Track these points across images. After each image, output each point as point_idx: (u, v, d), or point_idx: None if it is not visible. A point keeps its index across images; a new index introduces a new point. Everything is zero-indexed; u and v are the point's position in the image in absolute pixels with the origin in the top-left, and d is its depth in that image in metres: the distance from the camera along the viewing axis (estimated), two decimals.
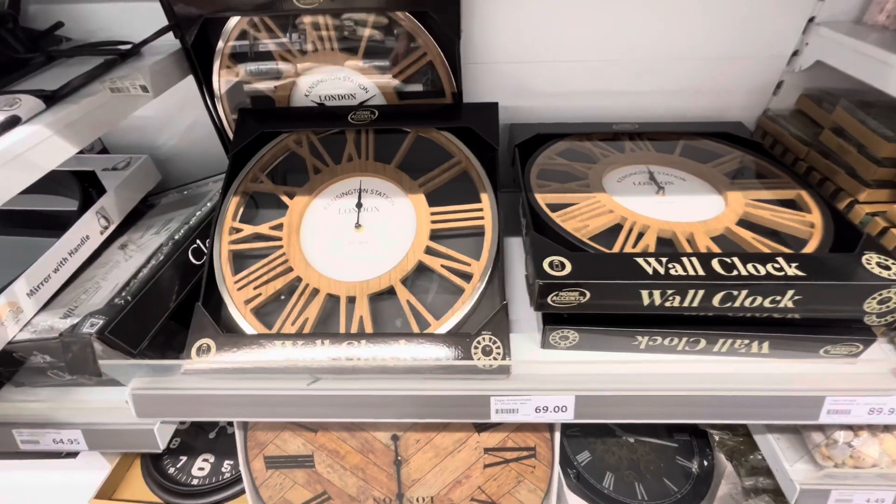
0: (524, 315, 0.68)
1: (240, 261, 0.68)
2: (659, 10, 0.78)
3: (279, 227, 0.68)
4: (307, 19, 0.72)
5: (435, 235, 0.67)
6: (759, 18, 0.79)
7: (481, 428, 0.75)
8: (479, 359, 0.58)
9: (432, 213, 0.68)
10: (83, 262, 0.71)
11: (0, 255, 0.77)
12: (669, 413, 0.63)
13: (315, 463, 0.81)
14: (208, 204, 0.75)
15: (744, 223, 0.63)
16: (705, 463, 1.00)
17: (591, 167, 0.75)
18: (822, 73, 0.81)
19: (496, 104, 0.75)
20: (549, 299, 0.55)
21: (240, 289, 0.64)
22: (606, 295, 0.54)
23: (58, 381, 0.70)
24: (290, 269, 0.65)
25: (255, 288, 0.64)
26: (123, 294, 0.60)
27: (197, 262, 0.68)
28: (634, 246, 0.59)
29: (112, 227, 0.79)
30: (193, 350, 0.59)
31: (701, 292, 0.53)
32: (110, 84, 0.63)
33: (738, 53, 0.83)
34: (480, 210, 0.68)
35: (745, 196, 0.68)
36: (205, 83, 0.79)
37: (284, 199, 0.71)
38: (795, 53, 0.82)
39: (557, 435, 0.80)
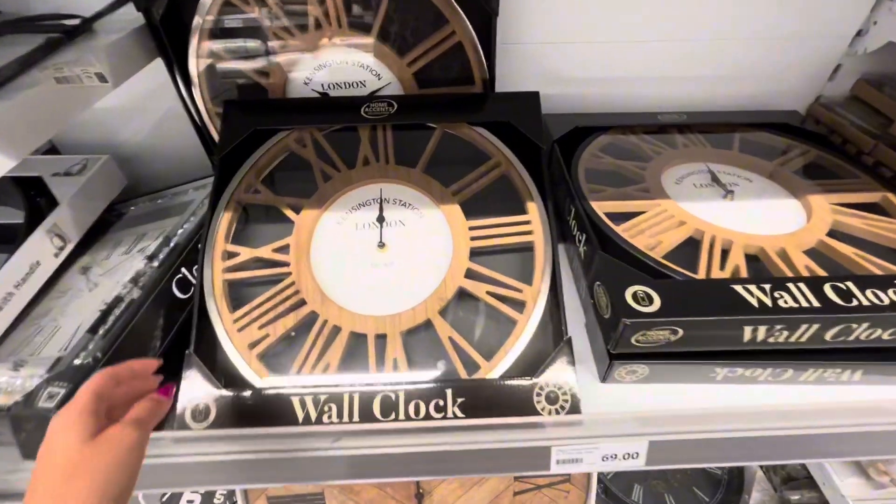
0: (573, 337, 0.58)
1: (238, 292, 0.56)
2: None
3: (285, 248, 0.56)
4: None
5: (475, 254, 0.56)
6: None
7: None
8: (543, 408, 0.49)
9: (471, 228, 0.57)
10: (36, 292, 0.57)
11: None
12: (753, 455, 0.55)
13: (326, 500, 0.71)
14: (192, 219, 0.61)
15: (837, 234, 0.54)
16: (735, 470, 0.95)
17: (644, 166, 0.65)
18: (885, 57, 0.72)
19: (537, 94, 0.64)
20: (632, 339, 0.45)
21: (241, 329, 0.52)
22: (702, 332, 0.45)
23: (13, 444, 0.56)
24: (303, 303, 0.53)
25: (260, 327, 0.52)
26: (91, 347, 0.47)
27: (183, 297, 0.55)
28: (722, 268, 0.50)
29: (69, 248, 0.65)
30: (187, 414, 0.47)
31: (815, 327, 0.44)
32: (55, 72, 0.49)
33: (795, 33, 0.74)
34: (528, 223, 0.57)
35: (826, 200, 0.59)
36: (178, 68, 0.64)
37: (289, 213, 0.59)
38: (859, 34, 0.73)
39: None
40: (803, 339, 0.46)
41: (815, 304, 0.44)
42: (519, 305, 0.54)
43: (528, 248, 0.57)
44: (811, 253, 0.53)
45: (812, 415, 0.53)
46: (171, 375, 0.50)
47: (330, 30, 0.61)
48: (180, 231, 0.61)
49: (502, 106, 0.64)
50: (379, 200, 0.60)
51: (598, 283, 0.50)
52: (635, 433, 0.53)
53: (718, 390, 0.55)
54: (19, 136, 0.45)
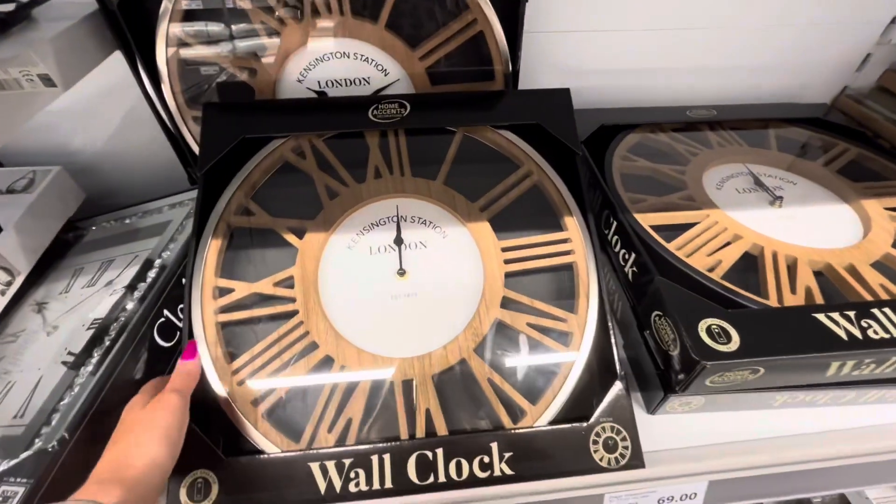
0: None
1: (234, 336, 0.47)
2: None
3: (288, 281, 0.48)
4: None
5: (510, 278, 0.49)
6: None
7: None
8: (601, 458, 0.43)
9: (504, 249, 0.50)
10: None
11: None
12: (815, 485, 0.51)
13: None
14: (171, 245, 0.52)
15: None
16: None
17: (682, 170, 0.59)
18: None
19: (567, 91, 0.56)
20: (707, 381, 0.40)
21: (242, 382, 0.44)
22: (785, 370, 0.40)
23: None
24: (315, 346, 0.45)
25: (268, 377, 0.45)
26: (54, 423, 0.38)
27: (167, 345, 0.46)
28: (793, 290, 0.45)
29: (18, 281, 0.54)
30: (182, 492, 0.39)
31: None
32: None
33: (826, 21, 0.70)
34: (567, 240, 0.51)
35: (878, 204, 0.55)
36: (142, 61, 0.53)
37: (290, 238, 0.50)
38: (894, 21, 0.68)
39: None
40: (889, 370, 0.41)
41: None
42: (564, 337, 0.48)
43: (567, 269, 0.51)
44: (880, 267, 0.48)
45: (878, 436, 0.49)
46: None
47: (330, 17, 0.51)
48: (159, 261, 0.51)
49: (530, 105, 0.56)
50: (396, 219, 0.52)
51: (657, 313, 0.44)
52: (693, 472, 0.48)
53: (774, 415, 0.51)
54: None
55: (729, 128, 0.69)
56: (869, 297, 0.45)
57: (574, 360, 0.46)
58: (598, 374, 0.47)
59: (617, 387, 0.44)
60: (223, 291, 0.47)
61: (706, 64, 0.73)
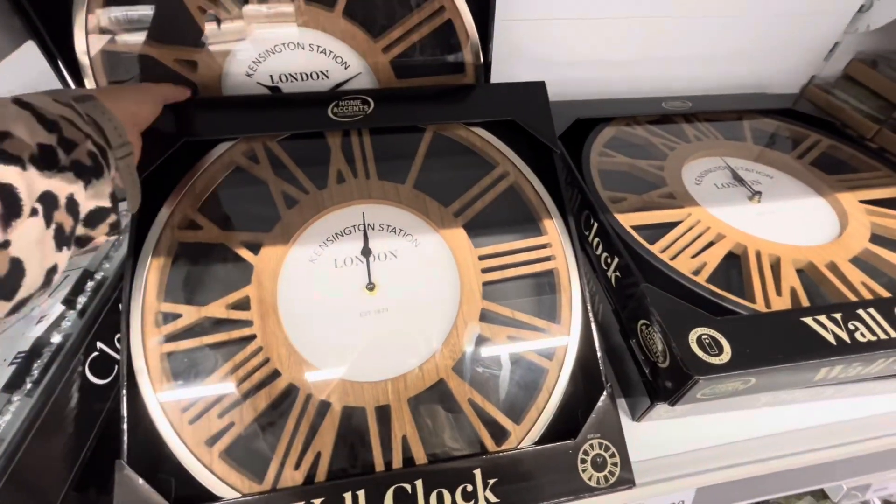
0: None
1: (183, 367, 0.42)
2: None
3: (243, 303, 0.43)
4: None
5: (489, 288, 0.46)
6: None
7: None
8: (589, 477, 0.40)
9: (481, 257, 0.47)
10: None
11: None
12: (801, 482, 0.51)
13: None
14: (106, 265, 0.46)
15: (879, 240, 0.50)
16: None
17: (661, 166, 0.58)
18: (887, 35, 0.69)
19: (543, 84, 0.53)
20: (698, 394, 0.38)
21: (194, 420, 0.40)
22: (776, 377, 0.39)
23: None
24: (277, 374, 0.41)
25: (220, 415, 0.40)
26: None
27: (102, 382, 0.40)
28: (779, 291, 0.44)
29: None
30: None
31: (891, 360, 0.39)
32: None
33: (795, 9, 0.68)
34: (547, 245, 0.49)
35: (853, 197, 0.55)
36: (59, 53, 0.47)
37: (244, 254, 0.45)
38: (861, 9, 0.69)
39: None
40: (875, 370, 0.41)
41: (893, 334, 0.39)
42: (547, 349, 0.45)
43: (548, 275, 0.48)
44: (858, 263, 0.48)
45: (863, 428, 0.49)
46: (100, 495, 0.37)
47: (282, 5, 0.46)
48: (90, 284, 0.45)
49: (503, 100, 0.53)
50: (363, 228, 0.47)
51: (644, 322, 0.42)
52: (680, 478, 0.47)
53: (757, 415, 0.51)
54: None
55: (704, 119, 0.68)
56: (852, 296, 0.45)
57: (558, 373, 0.44)
58: (584, 386, 0.45)
59: (604, 400, 0.42)
60: (168, 317, 0.42)
61: (678, 53, 0.72)
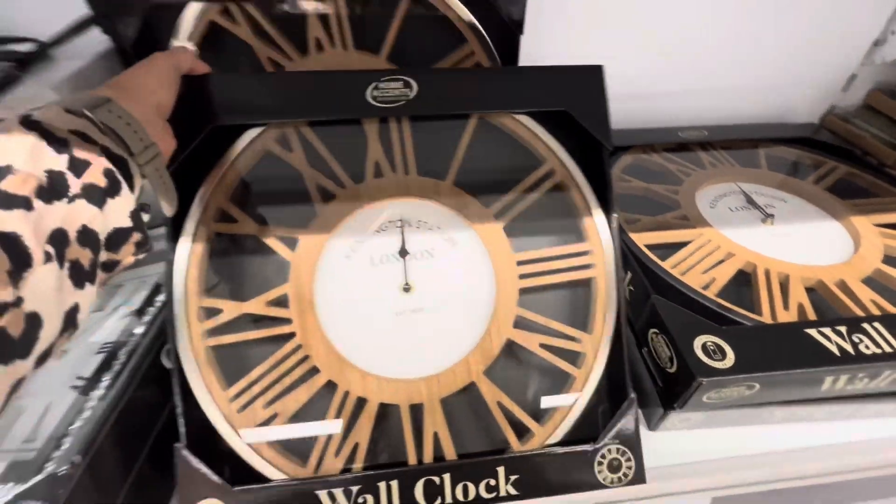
0: None
1: (230, 358, 0.45)
2: None
3: (282, 300, 0.45)
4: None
5: (525, 296, 0.47)
6: (836, 4, 0.67)
7: None
8: (604, 478, 0.43)
9: (519, 263, 0.47)
10: None
11: None
12: (818, 500, 0.51)
13: None
14: None
15: (892, 261, 0.51)
16: None
17: (676, 190, 0.62)
18: None
19: (600, 69, 0.48)
20: (704, 398, 0.41)
21: (242, 409, 0.44)
22: (780, 386, 0.41)
23: None
24: (316, 370, 0.45)
25: (265, 406, 0.44)
26: (67, 447, 0.39)
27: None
28: (786, 306, 0.46)
29: None
30: None
31: None
32: (4, 111, 0.40)
33: (811, 42, 0.74)
34: (587, 253, 0.48)
35: (868, 221, 0.57)
36: None
37: (281, 249, 0.46)
38: (876, 43, 0.72)
39: None
40: (883, 384, 0.43)
41: None
42: (576, 357, 0.47)
43: (585, 284, 0.48)
44: (870, 283, 0.50)
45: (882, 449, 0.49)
46: (165, 471, 0.43)
47: (333, 51, 0.53)
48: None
49: (555, 86, 0.47)
50: (400, 227, 0.47)
51: (654, 330, 0.45)
52: (695, 489, 0.49)
53: (775, 430, 0.52)
54: None
55: (720, 147, 0.71)
56: (861, 313, 0.46)
57: (585, 381, 0.46)
58: (609, 395, 0.47)
59: (625, 409, 0.45)
60: (210, 312, 0.45)
61: (695, 86, 0.76)
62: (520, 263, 0.47)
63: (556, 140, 0.49)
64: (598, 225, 0.48)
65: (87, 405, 0.44)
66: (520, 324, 0.46)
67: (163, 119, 0.38)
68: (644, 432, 0.52)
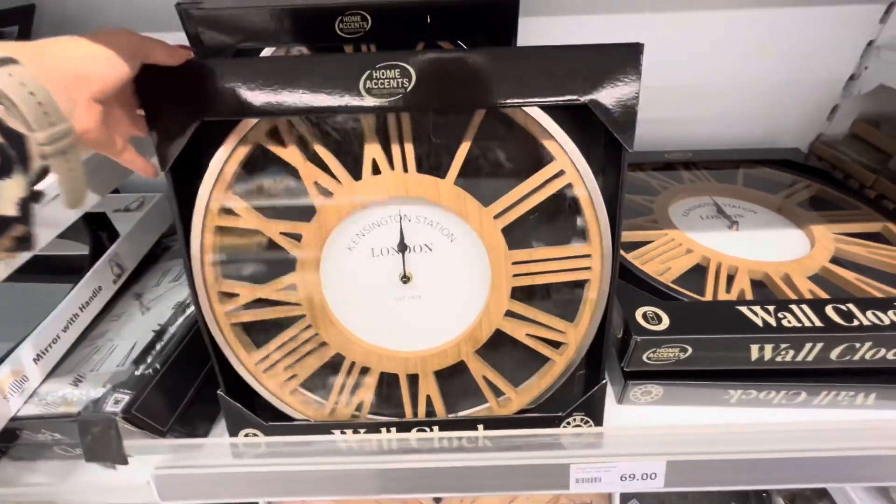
0: None
1: (247, 333, 0.54)
2: (710, 34, 0.77)
3: (291, 287, 0.50)
4: None
5: (518, 290, 0.50)
6: (814, 43, 0.77)
7: None
8: (566, 441, 0.52)
9: (514, 263, 0.48)
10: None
11: (5, 305, 0.68)
12: (773, 477, 0.56)
13: None
14: None
15: (840, 261, 0.58)
16: None
17: (652, 200, 0.71)
18: (880, 97, 0.78)
19: (639, 48, 0.41)
20: (644, 357, 0.49)
21: (266, 370, 0.53)
22: (710, 351, 0.49)
23: (64, 456, 0.61)
24: (325, 344, 0.52)
25: (285, 369, 0.53)
26: (150, 360, 0.52)
27: None
28: (728, 291, 0.54)
29: (125, 275, 0.72)
30: (241, 437, 0.52)
31: (819, 346, 0.48)
32: None
33: (793, 78, 0.81)
34: (587, 256, 0.48)
35: (829, 230, 0.63)
36: None
37: (285, 243, 0.48)
38: (852, 77, 0.79)
39: (617, 493, 0.72)
40: (809, 357, 0.49)
41: (818, 323, 0.48)
42: (560, 345, 0.52)
43: (579, 284, 0.50)
44: (815, 279, 0.57)
45: (834, 436, 0.54)
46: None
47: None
48: None
49: (577, 73, 0.41)
50: (399, 224, 0.48)
51: None
52: (652, 452, 0.55)
53: (735, 413, 0.57)
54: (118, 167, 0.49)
55: (703, 167, 0.79)
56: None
57: (565, 365, 0.52)
58: (585, 370, 0.54)
59: (596, 390, 0.52)
60: (228, 296, 0.50)
61: (690, 115, 0.85)
62: (515, 263, 0.48)
63: (569, 137, 0.44)
64: (602, 230, 0.47)
65: (161, 341, 0.58)
66: (510, 314, 0.50)
67: (91, 96, 0.33)
68: (612, 406, 0.60)
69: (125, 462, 0.48)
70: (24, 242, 0.30)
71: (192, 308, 0.61)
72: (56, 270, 0.69)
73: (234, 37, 0.50)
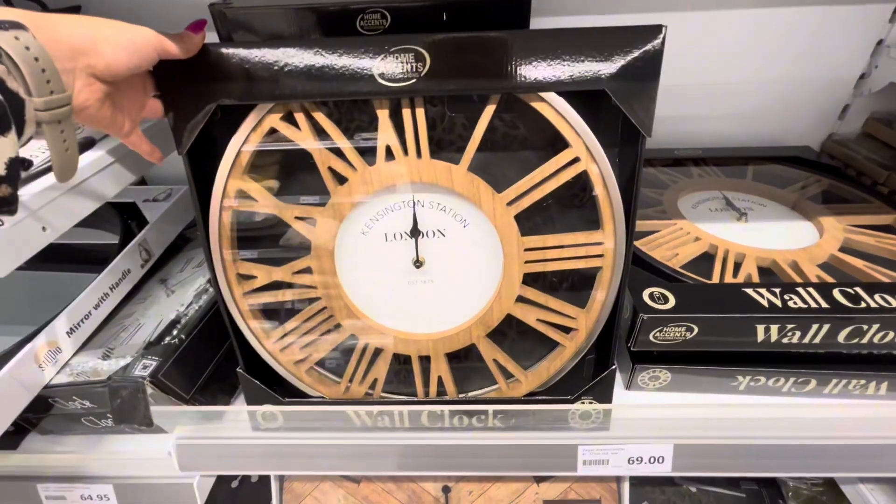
0: None
1: (265, 314, 0.55)
2: (718, 34, 0.78)
3: (306, 271, 0.51)
4: None
5: (530, 276, 0.50)
6: (824, 42, 0.78)
7: (540, 478, 0.67)
8: (575, 424, 0.53)
9: (527, 249, 0.48)
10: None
11: (35, 292, 0.73)
12: (785, 465, 0.56)
13: None
14: None
15: (848, 250, 0.58)
16: None
17: (662, 192, 0.72)
18: (891, 96, 0.78)
19: (662, 30, 0.41)
20: (650, 336, 0.50)
21: (283, 349, 0.55)
22: (716, 331, 0.50)
23: (90, 429, 0.64)
24: (339, 326, 0.54)
25: (301, 349, 0.55)
26: (175, 332, 0.55)
27: None
28: (735, 275, 0.54)
29: (152, 261, 0.75)
30: (259, 414, 0.54)
31: (826, 327, 0.48)
32: None
33: (804, 78, 0.82)
34: (599, 244, 0.48)
35: (838, 221, 0.63)
36: None
37: (300, 227, 0.49)
38: (863, 76, 0.79)
39: (626, 486, 0.72)
40: (817, 339, 0.50)
41: (824, 304, 0.48)
42: (570, 330, 0.53)
43: (592, 271, 0.50)
44: (824, 267, 0.57)
45: (844, 424, 0.54)
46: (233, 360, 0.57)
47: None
48: None
49: (596, 55, 0.41)
50: (412, 210, 0.48)
51: None
52: (660, 436, 0.56)
53: (743, 401, 0.58)
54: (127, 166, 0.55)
55: (712, 164, 0.80)
56: None
57: (575, 350, 0.53)
58: (595, 360, 0.55)
59: (605, 375, 0.53)
60: (244, 278, 0.52)
61: (701, 114, 0.86)
62: (528, 249, 0.48)
63: (585, 123, 0.44)
64: (616, 217, 0.46)
65: (186, 316, 0.61)
66: (521, 299, 0.51)
67: (102, 81, 0.34)
68: (621, 392, 0.61)
69: (151, 425, 0.51)
70: (8, 205, 0.30)
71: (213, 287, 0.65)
72: (87, 259, 0.73)
73: (262, 35, 0.52)
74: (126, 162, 0.55)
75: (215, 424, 0.57)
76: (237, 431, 0.56)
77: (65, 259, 0.76)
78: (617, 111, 0.42)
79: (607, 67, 0.40)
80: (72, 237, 0.76)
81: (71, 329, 0.59)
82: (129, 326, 0.65)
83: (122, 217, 0.77)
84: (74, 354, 0.60)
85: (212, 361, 0.58)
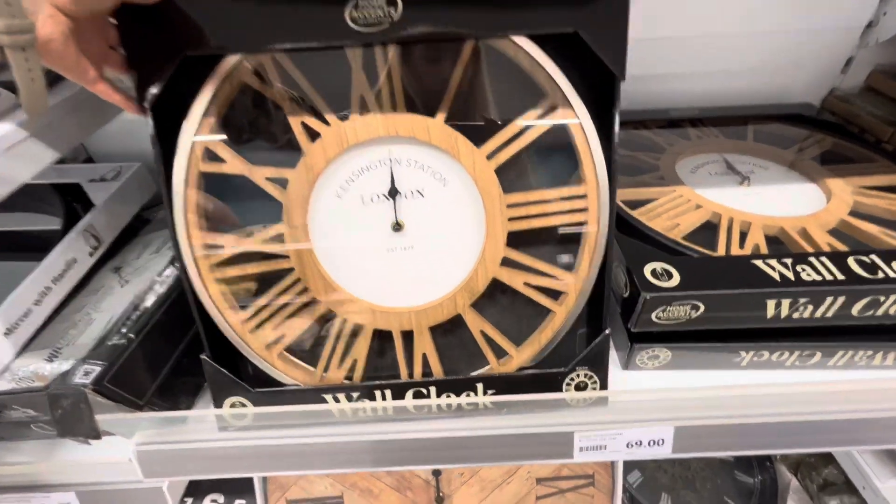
0: None
1: (233, 289, 0.50)
2: None
3: (278, 238, 0.47)
4: None
5: (514, 236, 0.47)
6: None
7: None
8: (570, 398, 0.49)
9: (510, 205, 0.46)
10: (70, 290, 0.60)
11: None
12: (783, 442, 0.54)
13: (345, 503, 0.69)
14: None
15: (859, 214, 0.54)
16: (767, 477, 0.90)
17: (658, 157, 0.67)
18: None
19: None
20: (653, 316, 0.45)
21: (254, 330, 0.50)
22: (724, 308, 0.45)
23: (43, 435, 0.58)
24: (315, 301, 0.49)
25: (274, 328, 0.50)
26: (124, 331, 0.49)
27: None
28: (742, 246, 0.50)
29: (103, 248, 0.68)
30: (227, 406, 0.48)
31: (841, 299, 0.45)
32: None
33: (806, 27, 0.76)
34: (583, 197, 0.46)
35: (846, 183, 0.59)
36: None
37: (272, 189, 0.46)
38: (870, 25, 0.73)
39: (620, 462, 0.70)
40: (829, 313, 0.46)
41: (840, 276, 0.44)
42: (559, 294, 0.49)
43: (576, 227, 0.47)
44: (834, 233, 0.53)
45: (845, 398, 0.52)
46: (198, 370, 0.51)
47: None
48: None
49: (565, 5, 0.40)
50: (389, 167, 0.46)
51: (615, 263, 0.50)
52: (659, 418, 0.53)
53: (745, 377, 0.55)
54: (73, 127, 0.48)
55: (710, 124, 0.75)
56: None
57: (565, 316, 0.49)
58: (586, 328, 0.51)
59: (598, 341, 0.49)
60: (210, 247, 0.47)
61: (691, 70, 0.80)
62: (510, 206, 0.46)
63: (560, 69, 0.43)
64: (597, 167, 0.45)
65: (137, 310, 0.54)
66: (506, 262, 0.48)
67: (66, 16, 0.33)
68: (618, 372, 0.57)
69: (98, 436, 0.45)
70: None
71: (171, 276, 0.58)
72: (28, 247, 0.65)
73: None
74: (46, 137, 0.47)
75: (179, 427, 0.52)
76: (203, 434, 0.51)
77: (3, 248, 0.68)
78: (592, 55, 0.41)
79: (577, 10, 0.40)
80: (8, 224, 0.68)
81: (8, 329, 0.52)
82: (79, 323, 0.58)
83: (65, 200, 0.68)
84: (16, 357, 0.53)
85: (170, 359, 0.51)
